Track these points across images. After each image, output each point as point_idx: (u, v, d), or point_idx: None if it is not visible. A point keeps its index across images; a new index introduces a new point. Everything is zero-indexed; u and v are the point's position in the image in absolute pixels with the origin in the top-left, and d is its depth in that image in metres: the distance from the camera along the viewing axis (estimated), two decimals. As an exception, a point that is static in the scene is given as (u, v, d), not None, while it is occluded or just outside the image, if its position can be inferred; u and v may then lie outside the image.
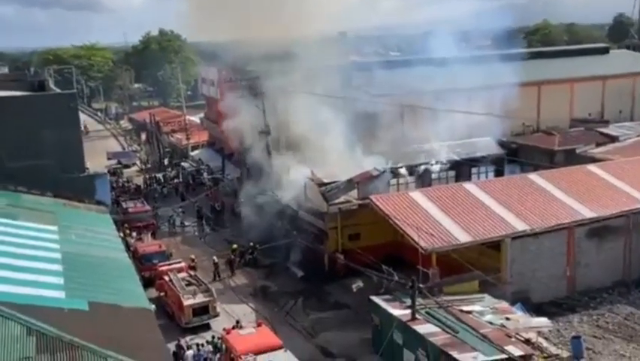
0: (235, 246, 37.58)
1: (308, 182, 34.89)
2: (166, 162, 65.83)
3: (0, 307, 14.41)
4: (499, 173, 38.81)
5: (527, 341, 22.54)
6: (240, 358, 22.58)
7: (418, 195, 30.75)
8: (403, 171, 36.05)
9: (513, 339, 22.35)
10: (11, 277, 16.81)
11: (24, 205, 24.09)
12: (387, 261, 27.98)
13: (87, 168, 34.39)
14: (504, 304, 25.73)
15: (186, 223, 45.28)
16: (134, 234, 40.24)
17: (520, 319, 24.35)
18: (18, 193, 26.43)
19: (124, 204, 45.85)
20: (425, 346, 22.52)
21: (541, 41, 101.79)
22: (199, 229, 44.43)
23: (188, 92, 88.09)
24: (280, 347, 23.33)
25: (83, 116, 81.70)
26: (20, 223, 21.47)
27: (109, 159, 66.98)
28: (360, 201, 32.58)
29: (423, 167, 36.73)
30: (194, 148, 64.96)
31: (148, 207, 45.56)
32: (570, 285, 29.63)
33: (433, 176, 36.95)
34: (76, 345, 13.65)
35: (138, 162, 68.61)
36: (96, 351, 13.57)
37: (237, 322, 27.42)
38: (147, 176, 60.33)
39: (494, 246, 28.82)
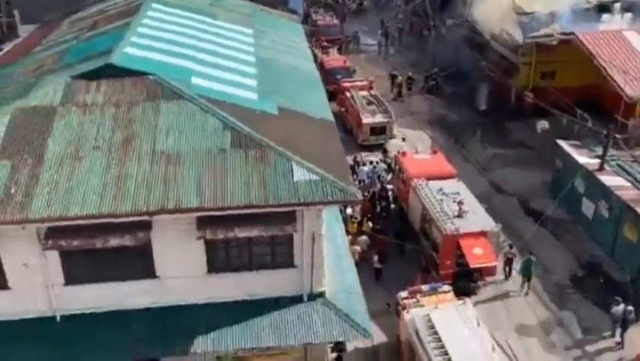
0: (410, 74, 36.77)
1: (507, 9, 32.18)
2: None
3: (201, 101, 15.47)
4: None
5: None
6: (412, 180, 22.89)
7: (633, 36, 27.33)
8: (617, 6, 31.77)
9: None
10: (210, 74, 17.73)
11: (223, 6, 24.84)
12: (581, 105, 25.92)
13: None
14: None
15: (372, 42, 44.81)
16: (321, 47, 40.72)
17: None
18: (218, -6, 27.29)
19: (314, 16, 46.16)
20: (609, 198, 21.25)
21: None
22: (385, 50, 43.85)
23: None
24: (453, 176, 23.21)
25: None
26: (219, 23, 22.28)
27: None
28: (562, 37, 29.59)
29: (644, 3, 31.99)
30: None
31: (336, 22, 45.56)
32: None
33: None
34: (265, 145, 14.43)
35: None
36: (282, 153, 14.27)
37: (404, 139, 26.90)
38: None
39: None
